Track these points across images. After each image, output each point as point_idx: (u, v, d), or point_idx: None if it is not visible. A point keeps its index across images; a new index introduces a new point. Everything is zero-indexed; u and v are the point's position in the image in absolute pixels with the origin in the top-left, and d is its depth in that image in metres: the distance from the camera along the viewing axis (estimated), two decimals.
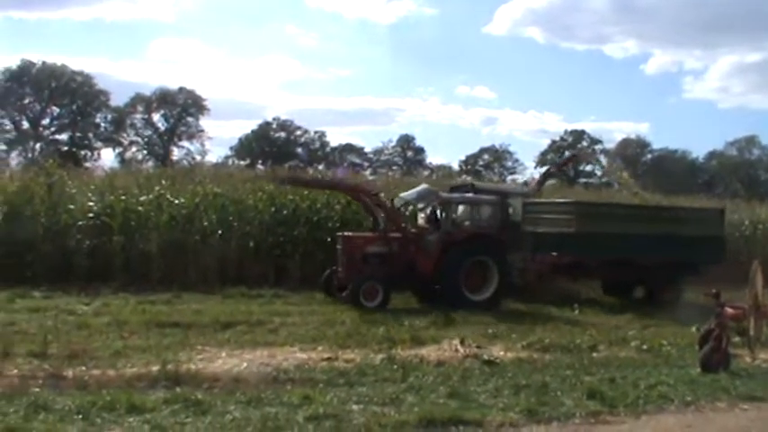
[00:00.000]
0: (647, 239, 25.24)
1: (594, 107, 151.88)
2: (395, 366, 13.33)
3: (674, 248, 25.36)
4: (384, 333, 16.61)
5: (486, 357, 14.43)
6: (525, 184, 31.65)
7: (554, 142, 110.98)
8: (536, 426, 10.03)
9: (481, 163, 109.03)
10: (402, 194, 24.97)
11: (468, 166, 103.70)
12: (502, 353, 15.19)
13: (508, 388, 11.79)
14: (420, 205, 25.13)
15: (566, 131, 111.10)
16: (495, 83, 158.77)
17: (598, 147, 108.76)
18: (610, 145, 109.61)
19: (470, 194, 26.34)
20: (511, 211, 26.90)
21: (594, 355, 15.48)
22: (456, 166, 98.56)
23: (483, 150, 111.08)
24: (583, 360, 14.66)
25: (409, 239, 23.26)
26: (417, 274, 22.99)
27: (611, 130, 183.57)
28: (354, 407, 10.41)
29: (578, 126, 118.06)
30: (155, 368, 12.42)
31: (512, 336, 17.12)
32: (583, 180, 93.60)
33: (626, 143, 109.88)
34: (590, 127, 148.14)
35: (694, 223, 26.72)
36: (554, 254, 25.24)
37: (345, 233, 24.03)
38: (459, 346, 15.35)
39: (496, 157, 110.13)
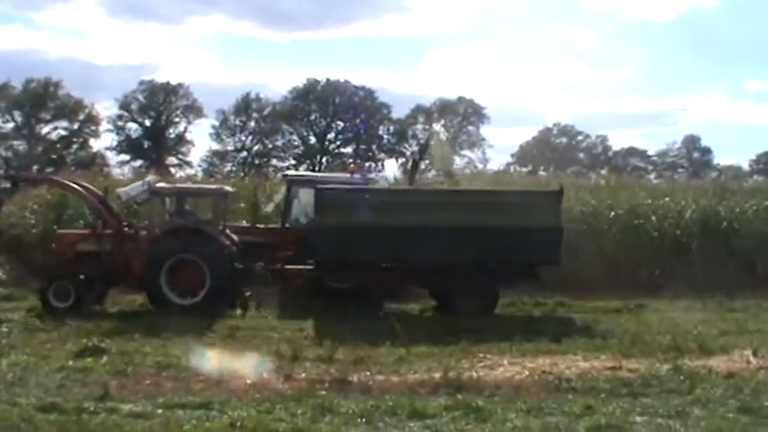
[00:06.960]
0: (431, 234, 20.14)
1: None
2: (681, 377, 12.84)
3: (478, 245, 20.23)
4: (670, 342, 16.00)
5: None
6: (352, 173, 26.68)
7: None
8: None
9: None
10: (119, 189, 23.02)
11: (760, 166, 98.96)
12: None
13: None
14: (124, 199, 22.52)
15: None
16: None
17: None
18: None
19: (187, 185, 25.45)
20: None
21: None
22: (746, 166, 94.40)
23: None
24: None
25: (125, 236, 21.55)
26: (132, 274, 21.03)
27: None
28: (638, 418, 10.21)
29: None
30: (437, 375, 12.60)
31: None
32: None
33: None
34: None
35: (516, 212, 20.66)
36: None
37: (61, 230, 23.19)
38: (751, 357, 14.56)
39: None
